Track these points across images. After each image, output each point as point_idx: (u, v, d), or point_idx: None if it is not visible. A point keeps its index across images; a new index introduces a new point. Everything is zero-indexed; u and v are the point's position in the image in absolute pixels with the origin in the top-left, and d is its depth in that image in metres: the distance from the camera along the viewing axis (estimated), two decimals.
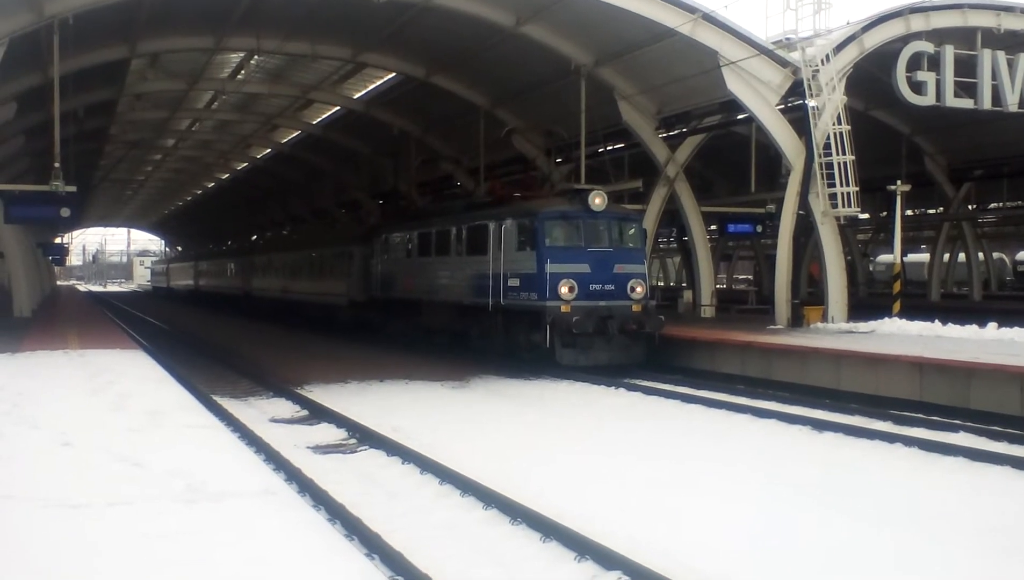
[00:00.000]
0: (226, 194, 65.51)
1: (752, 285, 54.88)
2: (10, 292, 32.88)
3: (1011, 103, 25.69)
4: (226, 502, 7.37)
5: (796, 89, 23.56)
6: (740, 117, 26.02)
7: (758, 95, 23.54)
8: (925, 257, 46.75)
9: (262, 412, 15.50)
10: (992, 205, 43.70)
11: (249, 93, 37.56)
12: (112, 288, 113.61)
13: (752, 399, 16.62)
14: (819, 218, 23.44)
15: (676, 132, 27.94)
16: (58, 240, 54.89)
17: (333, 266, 33.02)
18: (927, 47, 24.75)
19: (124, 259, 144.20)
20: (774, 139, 23.92)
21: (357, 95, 36.44)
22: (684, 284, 45.49)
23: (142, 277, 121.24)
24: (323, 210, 52.60)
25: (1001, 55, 25.51)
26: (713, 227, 35.17)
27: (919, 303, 33.52)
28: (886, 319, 22.59)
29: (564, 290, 19.62)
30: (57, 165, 21.80)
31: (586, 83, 26.24)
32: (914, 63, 24.70)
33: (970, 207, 41.06)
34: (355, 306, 30.51)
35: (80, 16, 21.18)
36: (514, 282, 20.68)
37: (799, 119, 23.62)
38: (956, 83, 25.04)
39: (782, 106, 24.03)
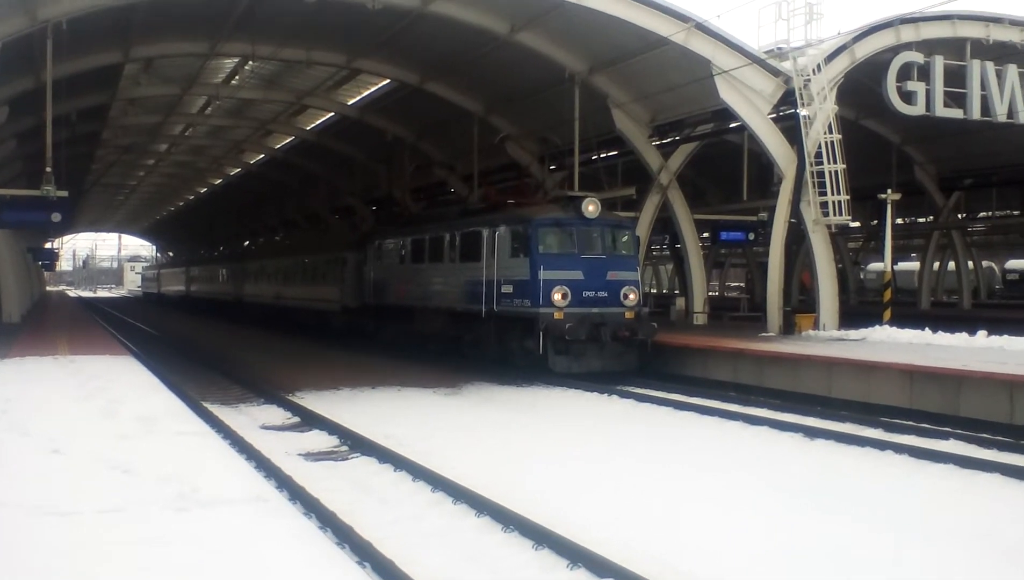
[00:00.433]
0: (219, 199, 65.41)
1: (744, 292, 54.94)
2: None
3: (1000, 113, 25.84)
4: (217, 509, 7.36)
5: (788, 98, 23.64)
6: (732, 125, 26.14)
7: (750, 104, 23.62)
8: (915, 265, 46.88)
9: (253, 419, 15.47)
10: (981, 214, 43.88)
11: (243, 98, 37.52)
12: (102, 294, 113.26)
13: (744, 406, 16.66)
14: (810, 226, 23.51)
15: (669, 140, 28.04)
16: (48, 245, 54.75)
17: (326, 272, 32.99)
18: (917, 57, 24.87)
19: (115, 264, 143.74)
20: (766, 148, 23.99)
21: (351, 101, 36.46)
22: (677, 291, 45.54)
23: (133, 283, 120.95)
24: (316, 216, 52.56)
25: (990, 65, 25.66)
26: (705, 235, 35.28)
27: (909, 311, 33.62)
28: (877, 327, 22.67)
29: (557, 297, 19.65)
30: (49, 170, 21.74)
31: (580, 91, 26.29)
32: (904, 73, 24.84)
33: (960, 216, 41.21)
34: (348, 312, 30.48)
35: (74, 20, 21.15)
36: (507, 289, 20.70)
37: (791, 128, 23.70)
38: (946, 93, 25.18)
39: (774, 115, 24.11)
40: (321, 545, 6.84)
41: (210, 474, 8.55)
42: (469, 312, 22.12)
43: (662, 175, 27.83)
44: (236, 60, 31.80)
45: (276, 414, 16.07)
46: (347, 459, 12.34)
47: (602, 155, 29.78)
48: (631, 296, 20.38)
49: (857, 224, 40.26)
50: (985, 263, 53.12)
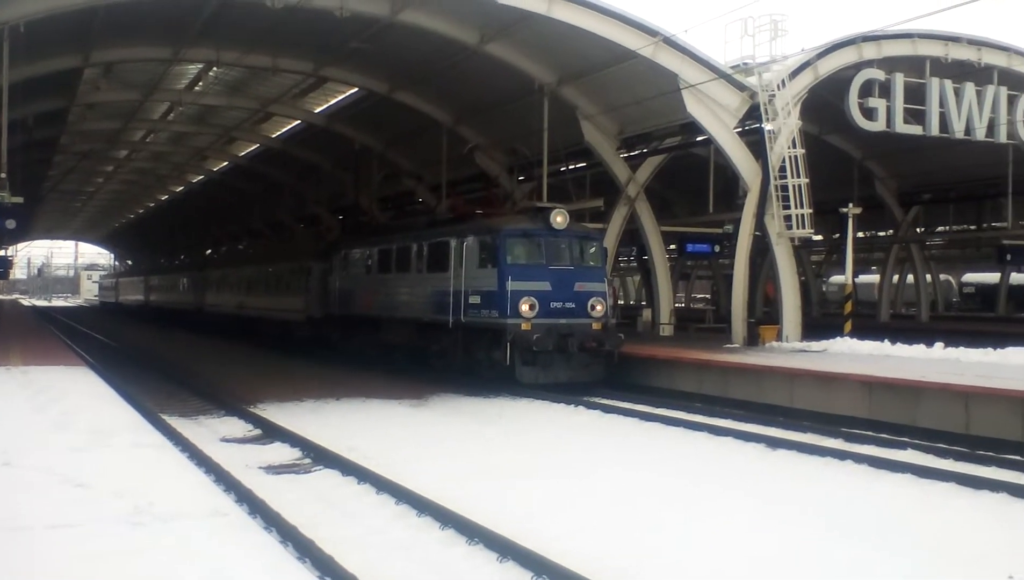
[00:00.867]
0: (180, 207, 64.74)
1: (710, 304, 55.29)
2: None
3: (957, 130, 26.30)
4: (174, 524, 7.25)
5: (753, 113, 23.86)
6: (699, 139, 26.34)
7: (716, 118, 23.82)
8: (875, 278, 47.46)
9: (213, 431, 15.26)
10: (939, 228, 44.53)
11: (206, 105, 37.20)
12: (58, 303, 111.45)
13: (709, 417, 16.73)
14: (774, 239, 23.72)
15: (637, 152, 28.19)
16: (2, 252, 53.86)
17: (290, 281, 32.71)
18: (878, 74, 25.26)
19: (71, 273, 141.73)
20: (732, 161, 24.19)
21: (318, 109, 36.26)
22: (643, 302, 45.72)
23: (90, 292, 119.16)
24: (281, 224, 52.20)
25: (948, 84, 26.13)
26: (672, 247, 35.48)
27: (869, 323, 33.99)
28: (838, 338, 22.92)
29: (525, 308, 19.63)
30: (3, 175, 21.42)
31: (549, 102, 26.36)
32: (866, 90, 25.20)
33: (918, 230, 41.79)
34: (312, 322, 30.24)
35: (32, 23, 20.85)
36: (475, 299, 20.65)
37: (756, 142, 23.92)
38: (906, 110, 25.62)
39: (739, 129, 24.32)
40: (282, 560, 6.76)
41: (167, 488, 8.41)
42: (436, 323, 22.04)
43: (630, 187, 27.94)
44: (200, 66, 31.50)
45: (237, 426, 15.86)
46: (310, 472, 12.21)
47: (570, 166, 29.86)
48: (598, 307, 20.41)
49: (820, 237, 40.70)
50: (943, 276, 53.94)
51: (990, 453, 13.28)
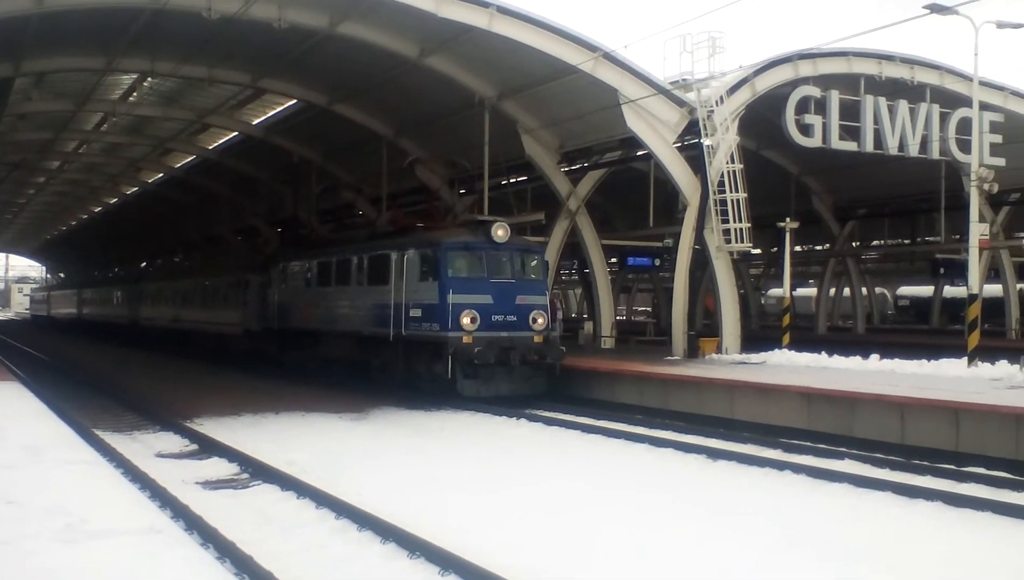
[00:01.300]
0: (114, 219, 63.59)
1: (651, 317, 55.72)
2: None
3: (891, 147, 26.87)
4: (108, 541, 7.07)
5: (692, 128, 24.14)
6: (639, 153, 26.54)
7: (656, 133, 24.05)
8: (813, 291, 48.26)
9: (148, 447, 14.98)
10: (875, 242, 45.44)
11: (141, 116, 36.60)
12: None
13: (650, 429, 16.83)
14: (714, 253, 23.98)
15: (578, 166, 28.34)
16: None
17: (227, 295, 32.29)
18: (814, 91, 25.72)
19: (1, 285, 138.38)
20: (671, 176, 24.43)
21: (256, 121, 35.89)
22: (585, 315, 45.95)
23: (20, 305, 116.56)
24: (218, 237, 51.53)
25: (882, 101, 26.69)
26: (613, 260, 35.71)
27: (807, 335, 34.51)
28: (776, 351, 23.24)
29: (466, 321, 19.59)
30: None
31: (489, 116, 26.41)
32: (802, 106, 25.65)
33: (854, 244, 42.60)
34: (251, 336, 29.86)
35: None
36: (416, 313, 20.56)
37: (695, 157, 24.18)
38: (841, 126, 26.09)
39: (679, 144, 24.57)
40: (219, 576, 6.62)
41: (101, 505, 8.21)
42: (377, 336, 21.89)
43: (571, 201, 28.08)
44: (134, 76, 31.02)
45: (173, 441, 15.58)
46: (248, 487, 12.02)
47: (512, 180, 29.93)
48: (540, 320, 20.45)
49: (758, 251, 41.19)
50: (878, 289, 54.99)
51: (925, 462, 13.52)
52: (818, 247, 44.88)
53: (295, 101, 32.11)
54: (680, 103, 24.03)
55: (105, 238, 70.26)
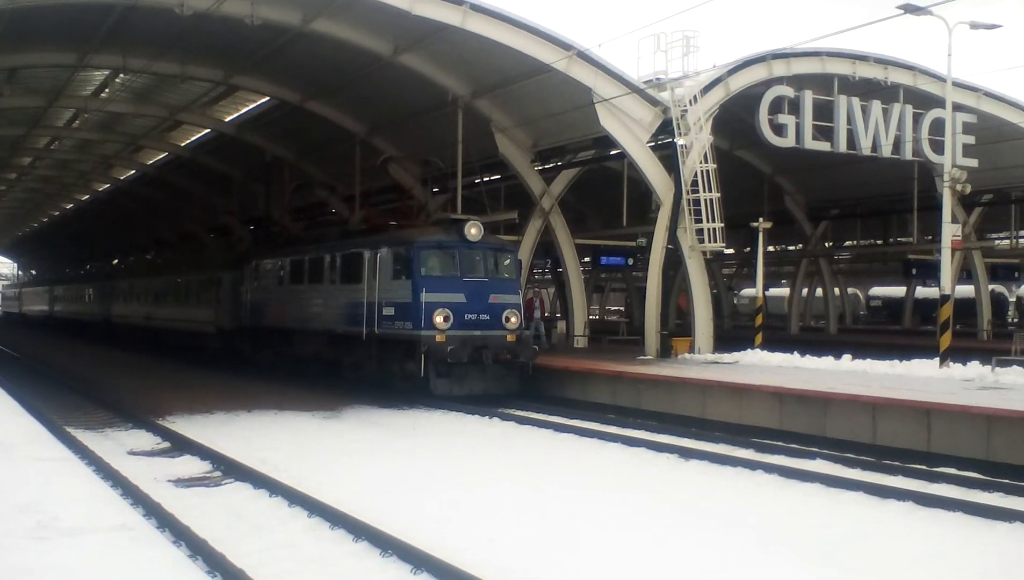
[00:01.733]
0: (86, 216, 63.01)
1: (624, 316, 55.90)
2: None
3: (864, 147, 27.04)
4: (79, 538, 7.02)
5: (666, 127, 24.22)
6: (613, 153, 26.61)
7: (630, 132, 24.11)
8: (786, 291, 48.60)
9: (120, 444, 14.90)
10: (847, 243, 45.81)
11: (113, 112, 36.27)
12: None
13: (622, 428, 16.88)
14: (687, 252, 24.07)
15: (551, 165, 28.36)
16: None
17: (200, 293, 32.10)
18: (788, 91, 25.84)
19: None
20: (645, 175, 24.50)
21: (229, 118, 35.66)
22: (558, 314, 46.03)
23: None
24: (191, 235, 51.17)
25: (856, 101, 26.85)
26: (587, 259, 35.80)
27: (779, 335, 34.77)
28: (749, 350, 23.36)
29: (439, 319, 19.58)
30: None
31: (463, 114, 26.37)
32: (775, 106, 25.77)
33: (827, 244, 42.93)
34: (223, 334, 29.70)
35: None
36: (389, 311, 20.52)
37: (669, 156, 24.26)
38: (814, 127, 26.21)
39: (653, 143, 24.64)
40: (191, 574, 6.60)
41: (72, 502, 8.16)
42: (349, 334, 21.84)
43: (544, 200, 28.12)
44: (106, 72, 30.74)
45: (145, 439, 15.50)
46: (220, 485, 11.97)
47: (485, 179, 29.91)
48: (513, 319, 20.47)
49: (731, 251, 41.48)
50: (850, 290, 55.46)
51: (897, 463, 13.63)
52: (791, 247, 45.20)
53: (268, 98, 31.95)
54: (654, 102, 24.11)
55: (77, 235, 69.66)
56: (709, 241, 23.79)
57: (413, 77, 25.70)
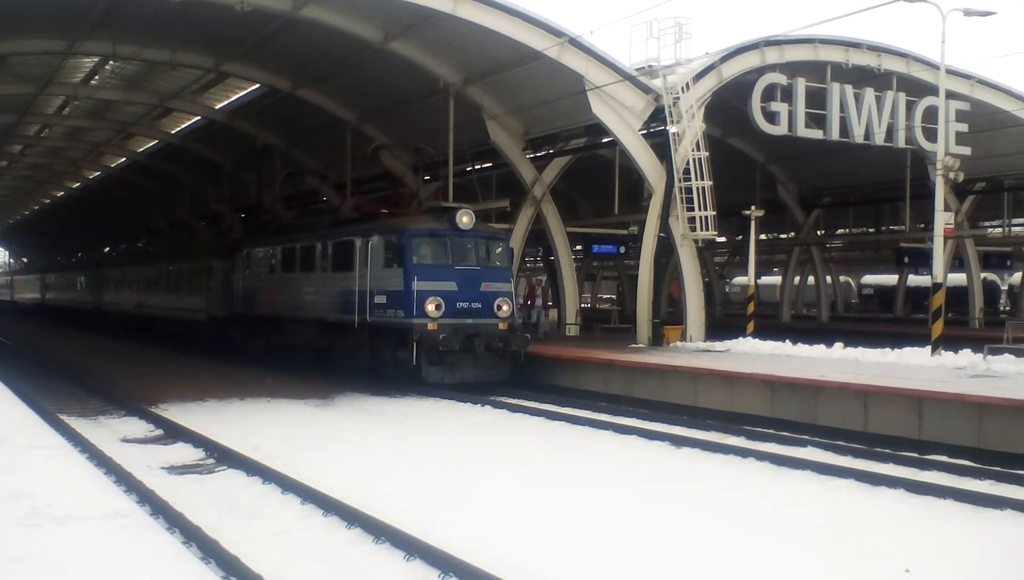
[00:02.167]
0: (77, 204, 62.79)
1: (615, 304, 55.95)
2: None
3: (857, 135, 27.05)
4: (73, 525, 7.02)
5: (658, 115, 24.18)
6: (605, 140, 26.57)
7: (622, 120, 24.08)
8: (777, 280, 48.68)
9: (113, 432, 14.88)
10: (839, 231, 45.88)
11: (103, 100, 36.12)
12: None
13: (614, 416, 16.91)
14: (679, 241, 24.08)
15: (543, 153, 28.32)
16: None
17: (192, 281, 32.03)
18: (781, 79, 25.82)
19: None
20: (637, 163, 24.48)
21: (219, 105, 35.53)
22: (549, 303, 46.02)
23: None
24: (182, 222, 51.04)
25: (849, 89, 26.84)
26: (578, 247, 35.71)
27: (771, 323, 34.83)
28: (740, 339, 23.39)
29: (431, 308, 19.57)
30: None
31: (454, 102, 26.31)
32: (768, 94, 25.74)
33: (819, 233, 42.99)
34: (215, 322, 29.66)
35: None
36: (380, 299, 20.51)
37: (661, 144, 24.23)
38: (807, 114, 26.19)
39: (645, 131, 24.61)
40: (185, 561, 6.60)
41: (66, 489, 8.15)
42: (341, 322, 21.82)
43: (536, 188, 28.08)
44: (96, 59, 30.60)
45: (138, 427, 15.49)
46: (213, 472, 11.97)
47: (476, 167, 29.87)
48: (504, 307, 20.47)
49: (723, 239, 41.47)
50: (842, 278, 55.55)
51: (888, 450, 13.68)
52: (783, 235, 45.25)
53: (258, 86, 31.83)
54: (646, 90, 24.07)
55: (68, 223, 69.45)
56: (701, 229, 23.79)
57: (404, 64, 25.63)
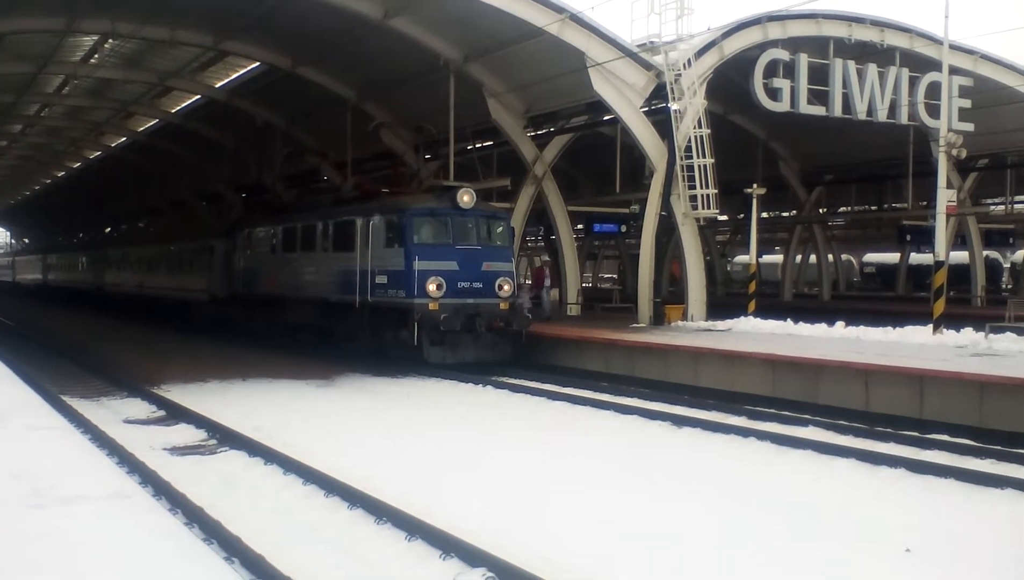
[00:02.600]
0: (78, 184, 62.69)
1: (616, 284, 55.90)
2: None
3: (860, 111, 26.91)
4: (76, 506, 7.02)
5: (659, 92, 24.05)
6: (606, 118, 26.43)
7: (623, 97, 23.96)
8: (779, 258, 48.59)
9: (115, 413, 14.91)
10: (841, 209, 45.74)
11: (103, 78, 35.96)
12: None
13: (615, 396, 16.93)
14: (680, 219, 24.02)
15: (544, 131, 28.18)
16: None
17: (193, 261, 32.02)
18: (783, 55, 25.67)
19: None
20: (638, 141, 24.38)
21: (219, 84, 35.38)
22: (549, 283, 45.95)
23: None
24: (182, 202, 50.96)
25: (851, 64, 26.68)
26: (579, 226, 35.68)
27: (773, 302, 34.81)
28: (742, 318, 23.33)
29: (432, 287, 19.55)
30: None
31: (455, 79, 26.18)
32: (770, 70, 25.59)
33: (821, 210, 42.86)
34: (216, 302, 29.66)
35: None
36: (382, 279, 20.49)
37: (662, 121, 24.13)
38: (809, 90, 26.05)
39: (646, 108, 24.49)
40: (187, 541, 6.60)
41: (68, 470, 8.15)
42: (342, 303, 21.81)
43: (537, 166, 27.99)
44: (95, 38, 30.45)
45: (140, 407, 15.52)
46: (215, 453, 12.00)
47: (477, 145, 29.77)
48: (506, 287, 20.45)
49: (725, 217, 41.42)
50: (844, 256, 55.45)
51: (889, 430, 13.67)
52: (785, 214, 45.14)
53: (258, 64, 31.67)
54: (647, 66, 23.93)
55: (70, 203, 69.38)
56: (703, 207, 23.73)
57: (404, 41, 25.47)
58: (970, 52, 29.26)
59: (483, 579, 7.21)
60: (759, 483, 10.54)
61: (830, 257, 45.73)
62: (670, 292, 31.38)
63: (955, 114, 27.02)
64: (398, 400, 16.54)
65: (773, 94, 25.68)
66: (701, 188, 23.60)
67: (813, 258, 45.12)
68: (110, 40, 30.19)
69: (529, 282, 41.38)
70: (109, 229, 63.71)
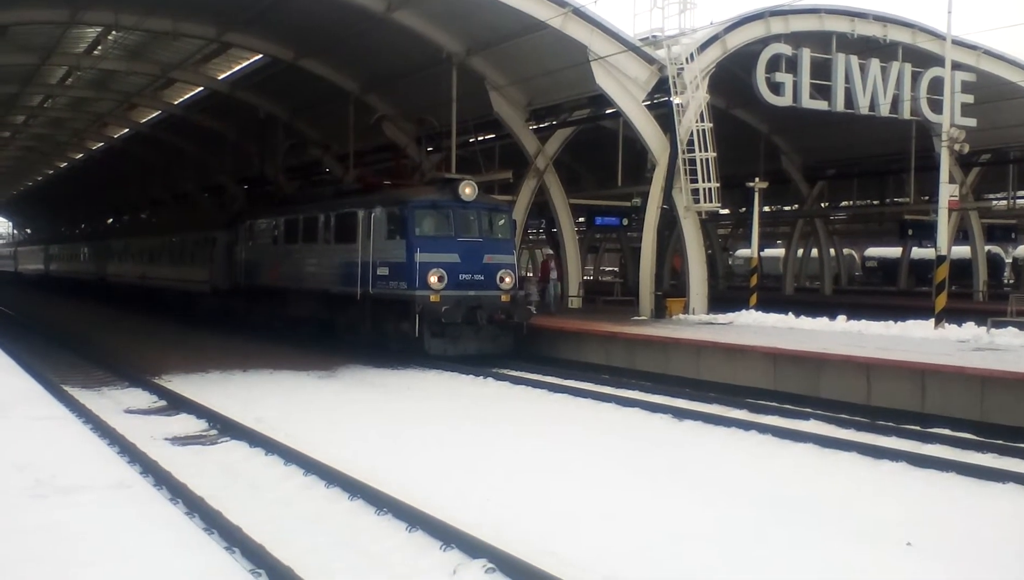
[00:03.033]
0: (81, 175, 62.70)
1: (618, 277, 55.88)
2: None
3: (862, 106, 26.88)
4: (77, 496, 7.03)
5: (662, 86, 24.04)
6: (608, 112, 26.43)
7: (625, 91, 23.94)
8: (781, 252, 48.55)
9: (117, 403, 14.94)
10: (843, 203, 45.68)
11: (106, 70, 35.94)
12: None
13: (616, 389, 16.92)
14: (682, 212, 24.01)
15: (546, 124, 28.17)
16: None
17: (195, 252, 32.05)
18: (785, 49, 25.65)
19: None
20: (640, 134, 24.36)
21: (222, 76, 35.37)
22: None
23: None
24: (185, 194, 50.97)
25: (854, 59, 26.65)
26: (581, 219, 35.70)
27: (774, 296, 34.77)
28: (743, 311, 23.35)
29: (433, 280, 19.56)
30: None
31: (457, 72, 26.16)
32: (773, 64, 25.58)
33: (823, 205, 42.83)
34: (218, 294, 29.69)
35: None
36: (383, 271, 20.50)
37: (664, 115, 24.11)
38: (812, 85, 26.05)
39: (648, 102, 24.47)
40: (188, 531, 6.61)
41: (70, 460, 8.15)
42: (344, 294, 21.82)
43: (539, 159, 27.97)
44: (99, 29, 30.45)
45: (141, 398, 15.54)
46: (216, 443, 12.02)
47: (479, 138, 29.76)
48: (507, 279, 20.45)
49: (726, 211, 41.38)
50: (846, 250, 55.39)
51: (890, 424, 13.67)
52: (787, 208, 45.09)
53: (261, 56, 31.65)
54: (650, 60, 23.91)
55: (72, 194, 69.42)
56: (705, 201, 23.73)
57: (406, 34, 25.45)
58: (973, 47, 29.22)
59: (483, 571, 7.23)
60: (760, 476, 10.55)
61: (832, 251, 45.70)
62: (672, 285, 31.40)
63: (957, 109, 26.97)
64: (399, 392, 16.55)
65: (776, 88, 25.67)
66: (703, 182, 23.58)
67: (815, 252, 45.10)
68: (113, 32, 30.19)
69: (531, 275, 41.38)
70: (111, 220, 63.74)
